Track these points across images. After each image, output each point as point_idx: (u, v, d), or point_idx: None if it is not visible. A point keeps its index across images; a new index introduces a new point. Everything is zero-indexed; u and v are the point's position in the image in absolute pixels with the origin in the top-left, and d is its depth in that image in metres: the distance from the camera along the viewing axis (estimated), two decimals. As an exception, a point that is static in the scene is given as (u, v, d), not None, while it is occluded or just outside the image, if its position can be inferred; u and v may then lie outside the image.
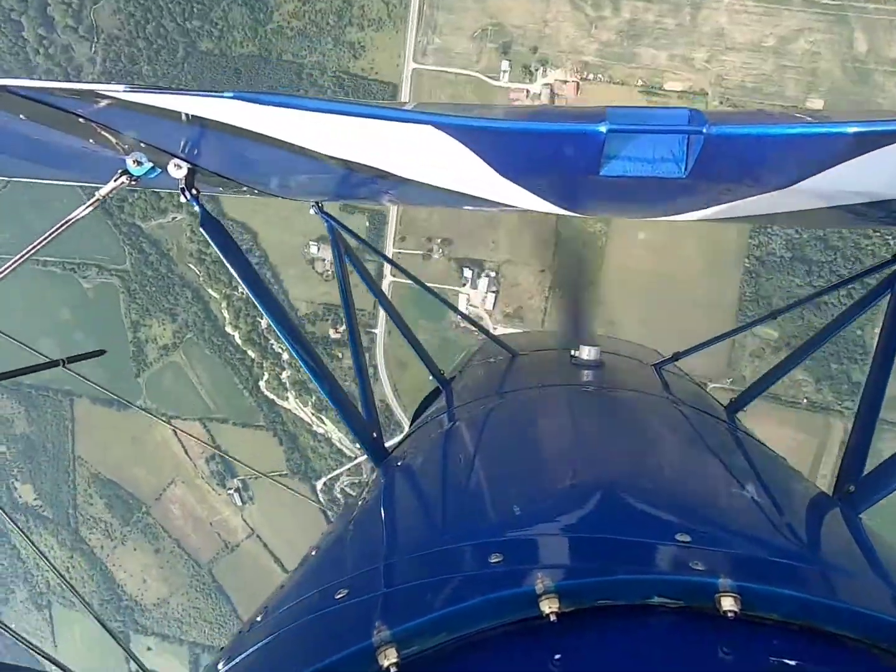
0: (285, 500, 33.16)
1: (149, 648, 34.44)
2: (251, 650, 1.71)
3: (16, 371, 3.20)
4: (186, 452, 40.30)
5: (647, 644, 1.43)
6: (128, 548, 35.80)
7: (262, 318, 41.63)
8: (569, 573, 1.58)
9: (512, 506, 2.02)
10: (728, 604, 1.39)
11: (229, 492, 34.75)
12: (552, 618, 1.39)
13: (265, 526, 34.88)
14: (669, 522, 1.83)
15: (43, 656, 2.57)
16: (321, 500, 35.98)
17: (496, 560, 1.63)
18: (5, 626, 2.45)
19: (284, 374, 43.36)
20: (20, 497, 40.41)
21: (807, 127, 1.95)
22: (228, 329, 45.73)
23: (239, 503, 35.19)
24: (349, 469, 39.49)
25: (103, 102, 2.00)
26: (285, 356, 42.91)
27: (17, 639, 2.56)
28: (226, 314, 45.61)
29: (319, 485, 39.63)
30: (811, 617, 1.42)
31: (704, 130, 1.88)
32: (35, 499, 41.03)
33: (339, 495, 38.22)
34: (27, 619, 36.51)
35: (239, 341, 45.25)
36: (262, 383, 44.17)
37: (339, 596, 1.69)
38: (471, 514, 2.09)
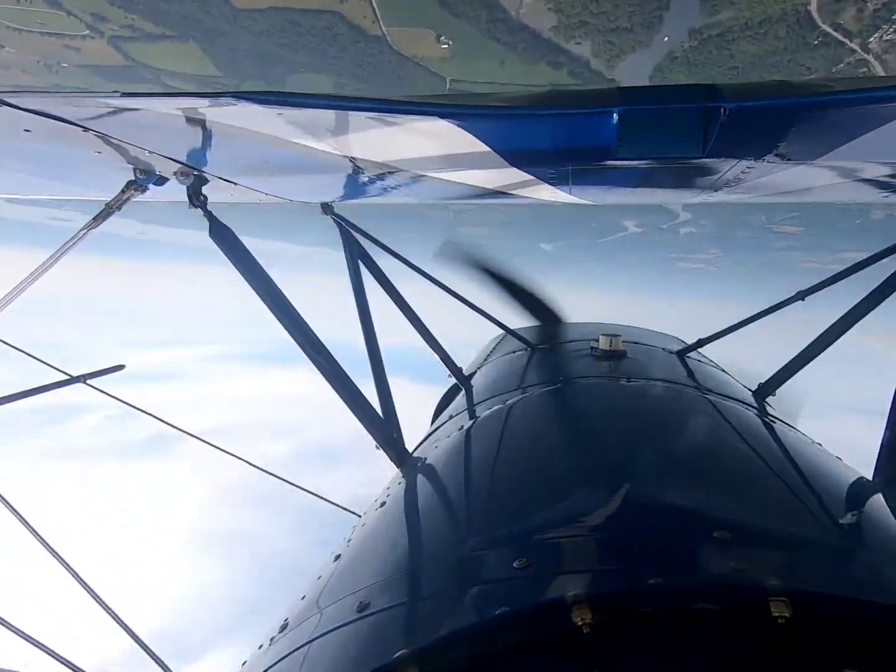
0: None
1: None
2: (271, 667, 1.70)
3: (36, 389, 3.26)
4: None
5: (689, 656, 1.34)
6: None
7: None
8: (600, 579, 1.52)
9: (536, 506, 1.98)
10: (778, 609, 1.30)
11: None
12: (585, 630, 1.31)
13: None
14: (705, 518, 1.76)
15: (44, 650, 2.70)
16: None
17: (521, 565, 1.59)
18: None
19: None
20: None
21: (832, 96, 1.82)
22: None
23: None
24: None
25: (103, 111, 1.96)
26: None
27: (17, 633, 2.63)
28: None
29: None
30: (869, 619, 1.34)
31: (723, 105, 1.75)
32: None
33: None
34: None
35: None
36: None
37: (360, 608, 1.67)
38: (493, 517, 2.03)
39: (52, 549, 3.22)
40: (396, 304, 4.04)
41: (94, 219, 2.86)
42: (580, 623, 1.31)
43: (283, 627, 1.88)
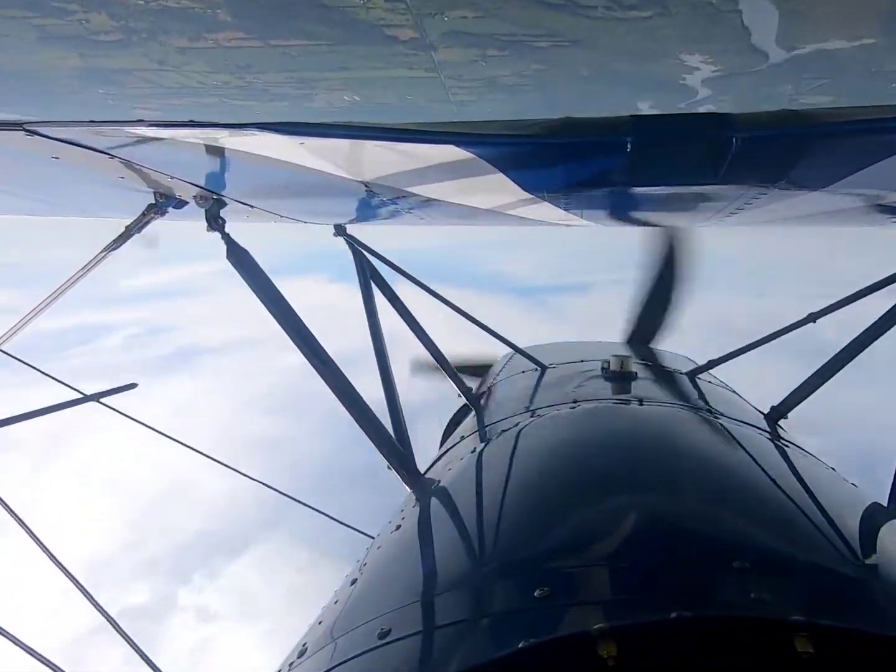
0: None
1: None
2: None
3: (48, 408, 3.31)
4: None
5: None
6: None
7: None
8: (622, 610, 1.52)
9: (553, 533, 1.98)
10: (802, 644, 1.30)
11: None
12: (610, 663, 1.31)
13: None
14: (724, 547, 1.76)
15: (31, 653, 2.74)
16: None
17: (542, 594, 1.58)
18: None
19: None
20: None
21: (844, 126, 1.79)
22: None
23: None
24: None
25: (128, 140, 1.99)
26: None
27: (8, 637, 2.70)
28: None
29: None
30: (890, 654, 1.34)
31: (734, 135, 1.75)
32: None
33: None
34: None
35: None
36: None
37: (381, 635, 1.69)
38: (511, 543, 2.03)
39: (47, 548, 3.21)
40: (408, 323, 4.07)
41: (115, 241, 2.91)
42: (605, 656, 1.31)
43: (302, 653, 1.87)
